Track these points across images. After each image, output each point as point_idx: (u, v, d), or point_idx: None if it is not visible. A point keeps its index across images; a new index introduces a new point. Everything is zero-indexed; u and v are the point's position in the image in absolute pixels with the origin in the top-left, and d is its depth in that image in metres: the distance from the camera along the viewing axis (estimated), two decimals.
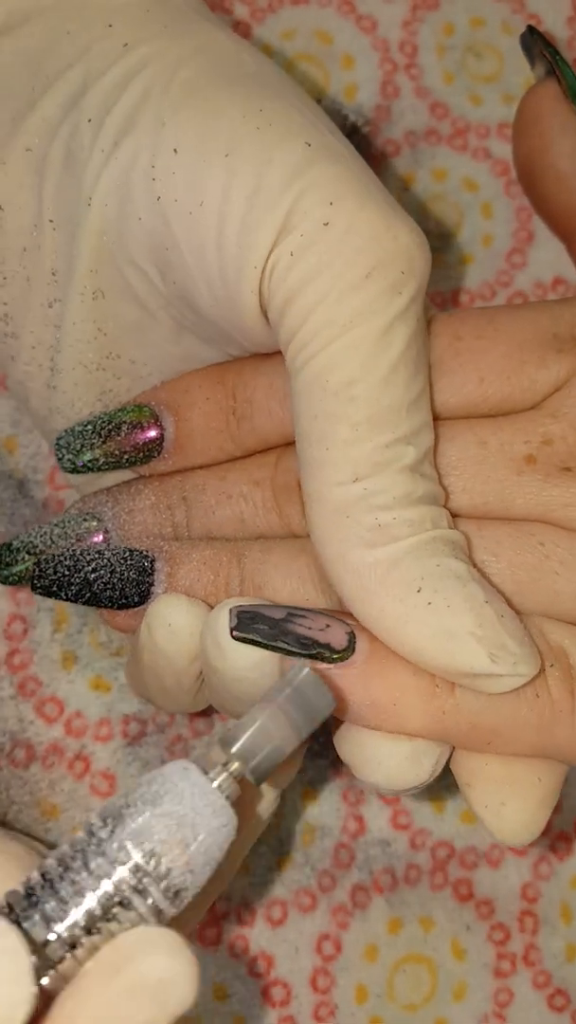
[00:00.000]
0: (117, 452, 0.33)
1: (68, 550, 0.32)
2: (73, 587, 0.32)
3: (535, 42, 0.35)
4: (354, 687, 0.29)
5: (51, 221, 0.32)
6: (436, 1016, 0.38)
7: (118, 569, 0.32)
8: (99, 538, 0.33)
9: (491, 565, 0.30)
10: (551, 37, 0.44)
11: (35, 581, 0.32)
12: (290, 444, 0.32)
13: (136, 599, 0.32)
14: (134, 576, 0.32)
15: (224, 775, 0.27)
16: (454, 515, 0.31)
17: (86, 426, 0.33)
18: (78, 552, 0.32)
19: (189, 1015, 0.31)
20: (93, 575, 0.32)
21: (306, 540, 0.32)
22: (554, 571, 0.31)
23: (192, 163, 0.29)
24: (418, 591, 0.29)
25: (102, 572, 0.32)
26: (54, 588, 0.32)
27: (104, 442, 0.33)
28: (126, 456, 0.33)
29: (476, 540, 0.31)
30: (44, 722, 0.37)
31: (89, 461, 0.33)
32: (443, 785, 0.36)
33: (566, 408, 0.31)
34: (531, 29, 0.36)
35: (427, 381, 0.30)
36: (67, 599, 0.32)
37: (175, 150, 0.29)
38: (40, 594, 0.32)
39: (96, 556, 0.32)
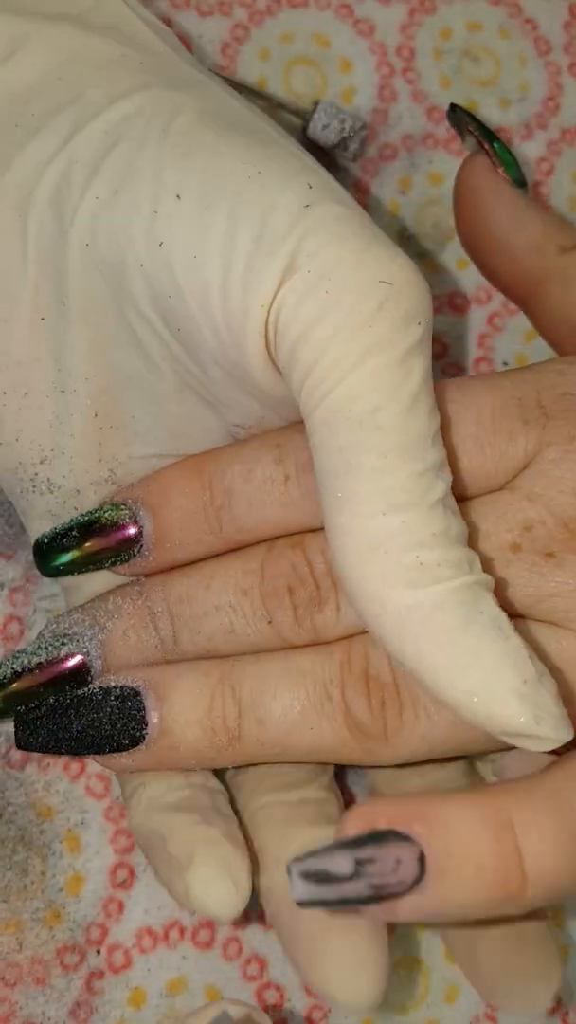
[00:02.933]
0: (96, 552, 0.33)
1: (47, 707, 0.32)
2: (62, 744, 0.32)
3: (462, 118, 0.35)
4: (433, 909, 0.27)
5: (34, 265, 0.31)
6: (428, 1018, 0.38)
7: (105, 713, 0.32)
8: (75, 661, 0.32)
9: None
10: (542, 40, 0.44)
11: (20, 743, 0.32)
12: (274, 539, 0.32)
13: (129, 743, 0.32)
14: (122, 719, 0.32)
15: None
16: None
17: (65, 528, 0.33)
18: (58, 706, 0.32)
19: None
20: (78, 727, 0.31)
21: (302, 658, 0.31)
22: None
23: (195, 209, 0.29)
24: (462, 640, 0.28)
25: (88, 721, 0.31)
26: (42, 748, 0.32)
27: (82, 543, 0.33)
28: (105, 556, 0.33)
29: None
30: None
31: (68, 563, 0.33)
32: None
33: (539, 489, 0.30)
34: (453, 107, 0.36)
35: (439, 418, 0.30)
36: (60, 754, 0.32)
37: (178, 196, 0.29)
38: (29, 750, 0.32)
39: (78, 705, 0.32)
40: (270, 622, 0.32)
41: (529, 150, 0.43)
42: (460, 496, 0.31)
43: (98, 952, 0.36)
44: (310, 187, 0.29)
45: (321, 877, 0.26)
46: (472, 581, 0.28)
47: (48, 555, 0.33)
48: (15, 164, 0.31)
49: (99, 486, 0.34)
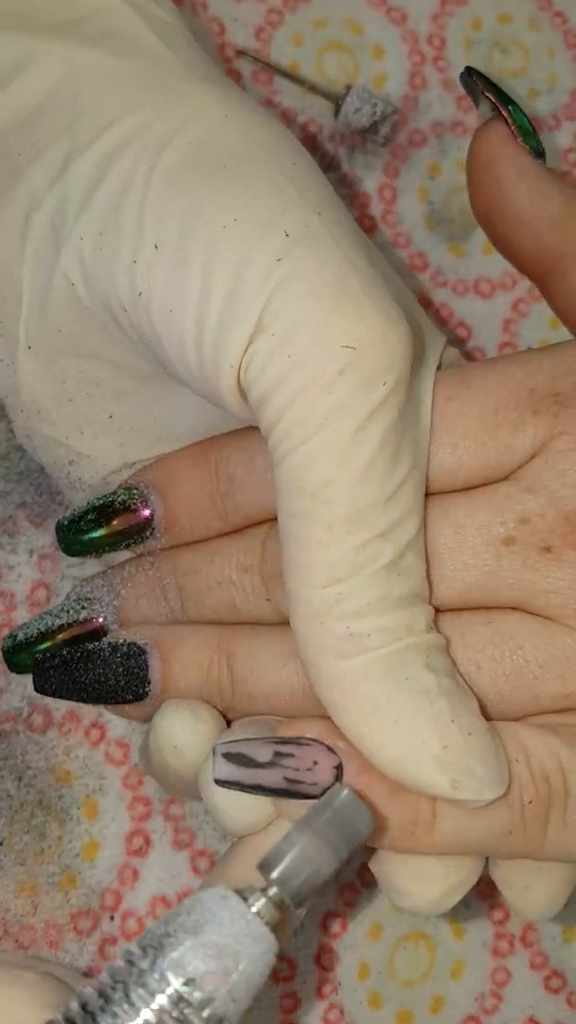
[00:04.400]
0: (113, 534, 0.34)
1: (60, 656, 0.33)
2: (72, 691, 0.33)
3: (475, 83, 0.34)
4: None
5: (27, 290, 0.32)
6: (433, 993, 0.39)
7: (112, 669, 0.33)
8: (97, 623, 0.34)
9: (473, 676, 0.30)
10: (571, 33, 0.45)
11: (36, 687, 0.33)
12: (275, 521, 0.32)
13: (133, 696, 0.33)
14: (127, 676, 0.33)
15: (263, 900, 0.26)
16: (436, 607, 0.30)
17: (83, 511, 0.34)
18: (70, 657, 0.33)
19: None
20: (87, 678, 0.33)
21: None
22: (534, 675, 0.30)
23: (172, 262, 0.29)
24: (386, 708, 0.28)
25: (96, 674, 0.33)
26: (55, 693, 0.33)
27: (100, 525, 0.34)
28: (122, 537, 0.34)
29: (460, 650, 0.30)
30: None
31: (87, 544, 0.34)
32: None
33: (544, 480, 0.30)
34: (469, 70, 0.34)
35: (412, 465, 0.29)
36: (72, 700, 0.33)
37: (156, 246, 0.29)
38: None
39: (88, 658, 0.33)
40: (268, 599, 0.32)
41: (557, 140, 0.44)
42: (460, 488, 0.31)
43: (112, 918, 0.37)
44: (287, 235, 0.28)
45: (241, 760, 0.29)
46: (404, 647, 0.28)
47: (68, 536, 0.34)
48: (16, 196, 0.31)
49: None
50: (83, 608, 0.34)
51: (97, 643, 0.33)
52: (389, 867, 0.31)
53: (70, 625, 0.34)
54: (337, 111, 0.42)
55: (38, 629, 0.34)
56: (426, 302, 0.42)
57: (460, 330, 0.42)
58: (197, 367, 0.29)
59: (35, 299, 0.32)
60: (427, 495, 0.30)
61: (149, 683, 0.32)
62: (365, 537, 0.28)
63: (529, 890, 0.31)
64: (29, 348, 0.33)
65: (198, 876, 0.37)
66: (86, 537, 0.34)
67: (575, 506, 0.30)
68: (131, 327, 0.30)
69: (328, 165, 0.42)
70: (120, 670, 0.33)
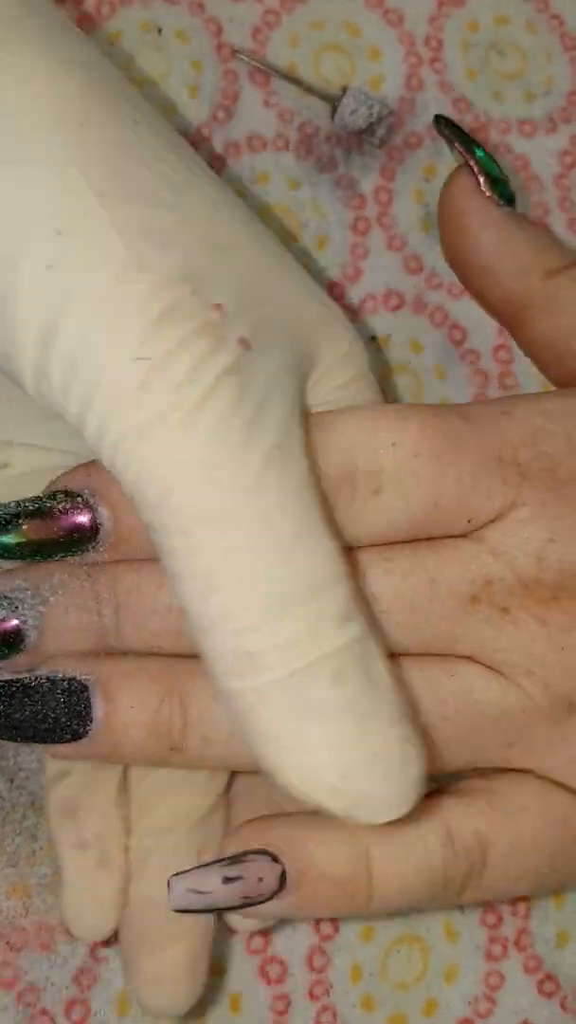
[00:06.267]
0: (43, 539, 0.30)
1: None
2: (2, 732, 0.30)
3: (445, 130, 0.34)
4: (288, 912, 0.31)
5: None
6: (427, 996, 0.39)
7: (50, 707, 0.30)
8: (11, 624, 0.31)
9: (437, 725, 0.30)
10: (568, 36, 0.45)
11: None
12: None
13: (71, 737, 0.31)
14: (67, 715, 0.30)
15: None
16: (399, 653, 0.30)
17: (11, 512, 0.30)
18: (2, 693, 0.30)
19: None
20: (21, 716, 0.30)
21: None
22: (486, 730, 0.31)
23: None
24: (283, 736, 0.27)
25: (32, 712, 0.30)
26: None
27: (29, 526, 0.30)
28: (56, 548, 0.30)
29: (426, 701, 0.30)
30: None
31: (11, 547, 0.30)
32: None
33: (504, 547, 0.30)
34: (438, 118, 0.34)
35: (275, 441, 0.27)
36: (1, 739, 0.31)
37: None
38: None
39: (23, 694, 0.30)
40: None
41: (553, 143, 0.44)
42: (424, 536, 0.31)
43: None
44: (58, 233, 0.26)
45: (195, 890, 0.30)
46: (305, 666, 0.27)
47: None
48: None
49: None
50: (1, 607, 0.31)
51: (33, 674, 0.31)
52: None
53: None
54: (333, 112, 0.42)
55: None
56: (421, 304, 0.42)
57: (455, 332, 0.42)
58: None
59: None
60: (398, 543, 0.31)
61: (91, 722, 0.31)
62: (232, 536, 0.26)
63: None
64: None
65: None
66: (9, 540, 0.30)
67: (531, 574, 0.30)
68: None
69: (324, 166, 0.42)
70: (59, 706, 0.30)
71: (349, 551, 0.30)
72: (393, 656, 0.30)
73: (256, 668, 0.27)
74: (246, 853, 0.30)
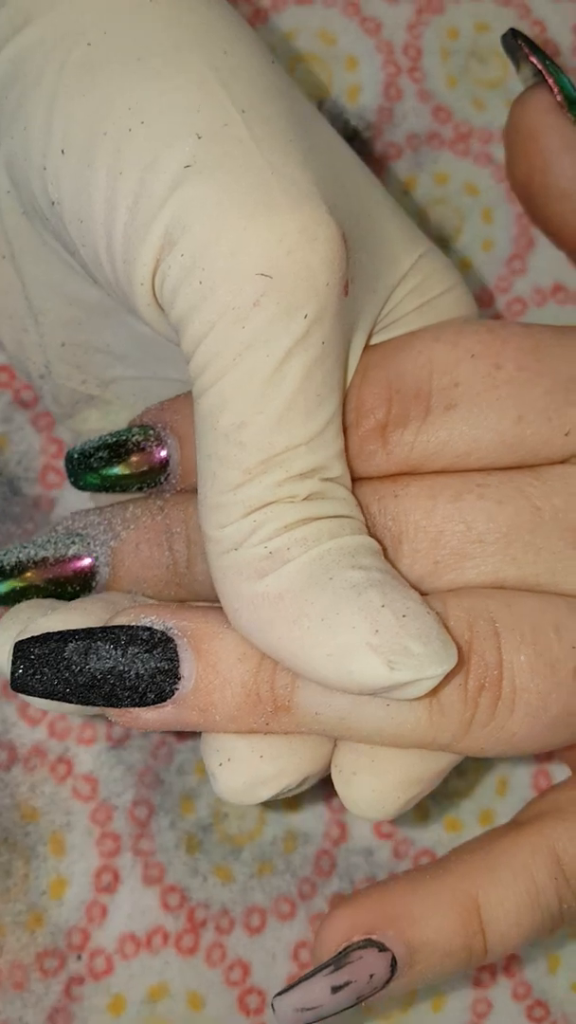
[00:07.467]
0: (130, 474, 0.31)
1: (55, 639, 0.27)
2: (69, 688, 0.27)
3: (520, 45, 0.32)
4: (402, 991, 0.29)
5: None
6: None
7: (128, 658, 0.27)
8: (85, 563, 0.31)
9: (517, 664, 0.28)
10: (551, 43, 0.44)
11: (16, 682, 0.27)
12: None
13: (155, 698, 0.27)
14: (149, 669, 0.27)
15: None
16: (499, 586, 0.29)
17: (95, 445, 0.32)
18: (69, 639, 0.27)
19: None
20: (94, 669, 0.27)
21: None
22: None
23: (78, 168, 0.26)
24: (310, 611, 0.26)
25: (108, 664, 0.27)
26: (43, 691, 0.27)
27: (112, 462, 0.31)
28: (133, 479, 0.31)
29: (506, 635, 0.28)
30: (27, 724, 0.37)
31: (96, 482, 0.31)
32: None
33: None
34: (514, 32, 0.33)
35: (338, 407, 0.27)
36: (64, 700, 0.27)
37: (62, 151, 0.27)
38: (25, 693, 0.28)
39: (97, 640, 0.27)
40: None
41: None
42: (513, 465, 0.29)
43: (79, 957, 0.36)
44: (199, 138, 0.25)
45: (303, 1008, 0.28)
46: (326, 549, 0.27)
47: (77, 471, 0.32)
48: None
49: (92, 406, 0.34)
50: (73, 543, 0.31)
51: (109, 625, 0.28)
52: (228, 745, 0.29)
53: (56, 561, 0.31)
54: None
55: (17, 557, 0.31)
56: None
57: None
58: (115, 282, 0.27)
59: None
60: (487, 469, 0.29)
61: (178, 679, 0.27)
62: (282, 477, 0.26)
63: (356, 777, 0.29)
64: (3, 258, 0.31)
65: (168, 912, 0.36)
66: (101, 473, 0.31)
67: None
68: (56, 238, 0.28)
69: None
70: (140, 659, 0.27)
71: (426, 475, 0.29)
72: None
73: (281, 560, 0.26)
74: (349, 950, 0.28)
